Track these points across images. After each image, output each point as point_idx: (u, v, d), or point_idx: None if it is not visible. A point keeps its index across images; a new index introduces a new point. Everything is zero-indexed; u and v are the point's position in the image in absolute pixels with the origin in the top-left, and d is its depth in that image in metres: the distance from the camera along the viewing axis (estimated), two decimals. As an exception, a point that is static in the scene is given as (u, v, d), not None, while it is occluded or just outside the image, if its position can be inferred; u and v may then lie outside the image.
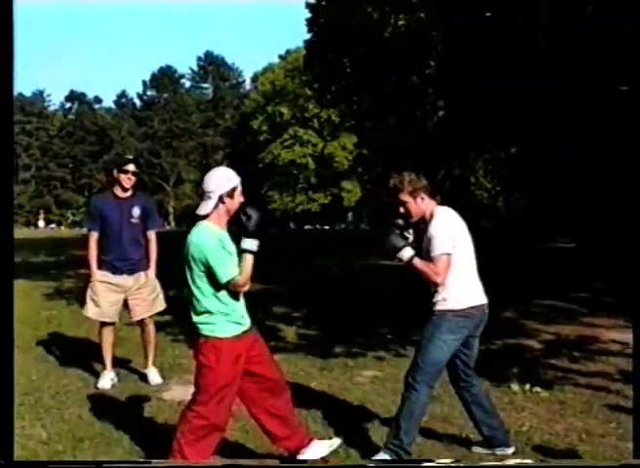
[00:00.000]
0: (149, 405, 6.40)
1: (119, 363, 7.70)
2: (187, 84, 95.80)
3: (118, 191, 7.16)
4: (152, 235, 7.31)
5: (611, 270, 14.76)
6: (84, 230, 8.68)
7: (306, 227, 71.86)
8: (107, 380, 7.06)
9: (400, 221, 5.07)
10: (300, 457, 4.87)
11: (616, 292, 12.26)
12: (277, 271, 16.20)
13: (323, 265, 19.18)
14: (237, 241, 4.56)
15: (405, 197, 5.02)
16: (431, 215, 5.04)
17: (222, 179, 4.61)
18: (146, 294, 7.23)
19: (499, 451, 5.18)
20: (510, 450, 5.20)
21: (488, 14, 13.66)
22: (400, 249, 4.95)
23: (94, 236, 7.14)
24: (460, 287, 4.98)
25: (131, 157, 7.59)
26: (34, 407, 6.36)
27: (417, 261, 4.92)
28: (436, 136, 20.04)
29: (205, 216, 4.63)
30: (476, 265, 5.14)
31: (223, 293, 4.56)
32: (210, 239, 4.50)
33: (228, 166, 5.29)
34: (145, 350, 7.35)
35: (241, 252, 4.53)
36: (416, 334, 9.31)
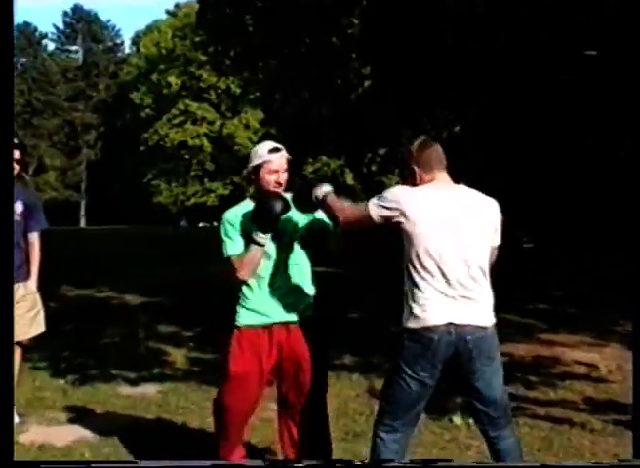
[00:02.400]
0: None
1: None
2: (51, 46, 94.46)
3: None
4: (35, 237, 7.12)
5: (572, 276, 15.02)
6: None
7: (201, 225, 71.39)
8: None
9: None
10: None
11: (579, 303, 12.47)
12: (163, 281, 16.01)
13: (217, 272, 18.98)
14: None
15: None
16: None
17: (251, 157, 5.03)
18: (24, 311, 6.97)
19: None
20: None
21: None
22: None
23: None
24: None
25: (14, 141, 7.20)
26: None
27: None
28: (361, 110, 20.11)
29: None
30: None
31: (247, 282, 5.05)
32: (229, 213, 5.10)
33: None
34: None
35: (249, 241, 4.94)
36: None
